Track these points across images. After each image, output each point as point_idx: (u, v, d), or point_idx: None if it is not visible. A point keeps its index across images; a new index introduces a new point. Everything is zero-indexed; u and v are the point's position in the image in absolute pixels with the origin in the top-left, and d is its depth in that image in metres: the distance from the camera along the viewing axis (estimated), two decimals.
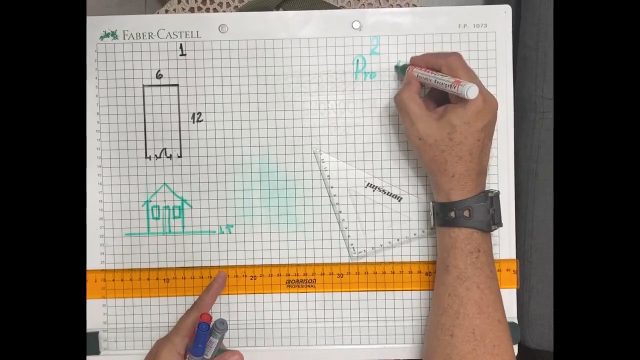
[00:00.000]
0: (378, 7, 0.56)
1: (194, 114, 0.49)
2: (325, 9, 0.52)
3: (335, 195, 0.49)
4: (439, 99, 0.46)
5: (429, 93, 0.47)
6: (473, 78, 0.42)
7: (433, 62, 0.44)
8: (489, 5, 0.49)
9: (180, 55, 0.49)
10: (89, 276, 0.49)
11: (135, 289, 0.49)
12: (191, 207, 0.49)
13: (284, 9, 0.53)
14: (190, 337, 0.44)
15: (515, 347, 0.48)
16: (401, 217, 0.49)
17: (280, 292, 0.49)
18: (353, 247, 0.49)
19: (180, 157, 0.49)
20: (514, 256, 0.49)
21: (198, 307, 0.46)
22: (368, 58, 0.49)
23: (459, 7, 0.49)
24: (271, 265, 0.49)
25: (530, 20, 0.65)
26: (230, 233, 0.49)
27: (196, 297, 0.48)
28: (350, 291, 0.49)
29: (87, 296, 0.49)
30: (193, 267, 0.49)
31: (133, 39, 0.49)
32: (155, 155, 0.49)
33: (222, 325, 0.43)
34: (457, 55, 0.43)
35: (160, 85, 0.49)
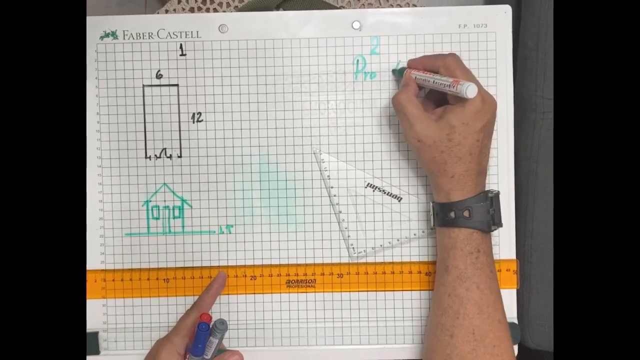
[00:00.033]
0: (378, 7, 0.56)
1: (194, 114, 0.49)
2: (326, 9, 0.52)
3: (335, 195, 0.49)
4: (438, 100, 0.46)
5: (428, 95, 0.47)
6: (471, 78, 0.42)
7: (430, 63, 0.44)
8: (489, 6, 0.49)
9: (180, 55, 0.49)
10: (89, 276, 0.49)
11: (135, 289, 0.49)
12: (191, 207, 0.49)
13: (284, 9, 0.53)
14: (190, 337, 0.44)
15: (516, 348, 0.48)
16: (401, 217, 0.49)
17: (280, 292, 0.49)
18: (353, 247, 0.49)
19: (180, 157, 0.49)
20: (514, 256, 0.49)
21: (198, 307, 0.46)
22: (368, 58, 0.49)
23: (459, 7, 0.49)
24: (271, 266, 0.49)
25: (530, 20, 0.65)
26: (230, 233, 0.49)
27: (196, 297, 0.48)
28: (350, 291, 0.49)
29: (87, 296, 0.49)
30: (193, 267, 0.49)
31: (133, 39, 0.49)
32: (155, 155, 0.49)
33: (222, 325, 0.43)
34: (454, 56, 0.43)
35: (160, 85, 0.49)
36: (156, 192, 0.49)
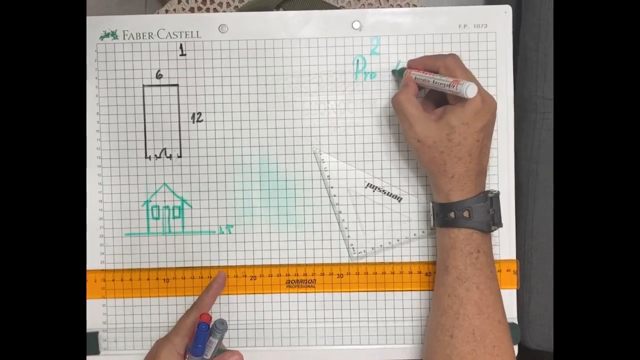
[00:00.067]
0: (378, 7, 0.56)
1: (194, 114, 0.49)
2: (326, 9, 0.52)
3: (335, 196, 0.49)
4: (437, 100, 0.46)
5: (427, 95, 0.47)
6: (471, 78, 0.42)
7: (430, 63, 0.44)
8: (490, 6, 0.49)
9: (180, 55, 0.49)
10: (88, 276, 0.49)
11: (135, 289, 0.49)
12: (191, 207, 0.49)
13: (284, 9, 0.53)
14: (190, 337, 0.44)
15: (516, 348, 0.48)
16: (401, 218, 0.49)
17: (280, 292, 0.49)
18: (353, 248, 0.49)
19: (180, 157, 0.49)
20: (514, 257, 0.49)
21: (198, 307, 0.46)
22: (368, 58, 0.49)
23: (459, 7, 0.49)
24: (271, 266, 0.49)
25: (530, 20, 0.65)
26: (230, 233, 0.49)
27: (196, 297, 0.48)
28: (350, 291, 0.49)
29: (87, 296, 0.49)
30: (193, 267, 0.49)
31: (133, 39, 0.49)
32: (155, 155, 0.49)
33: (222, 325, 0.43)
34: (453, 56, 0.43)
35: (160, 85, 0.49)
36: (156, 192, 0.49)
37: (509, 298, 0.48)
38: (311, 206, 0.49)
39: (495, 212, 0.43)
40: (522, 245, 0.64)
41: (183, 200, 0.49)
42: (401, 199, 0.49)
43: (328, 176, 0.49)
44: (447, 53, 0.46)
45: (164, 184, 0.49)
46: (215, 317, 0.48)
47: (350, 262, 0.49)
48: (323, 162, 0.49)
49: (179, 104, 0.49)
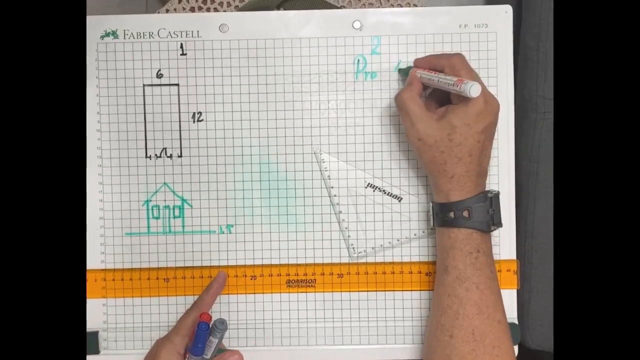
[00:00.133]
0: (379, 7, 0.55)
1: (194, 113, 0.49)
2: (326, 8, 0.52)
3: (335, 195, 0.49)
4: (441, 100, 0.45)
5: (431, 94, 0.47)
6: (475, 78, 0.42)
7: (435, 63, 0.44)
8: (490, 6, 0.49)
9: (181, 54, 0.49)
10: (89, 276, 0.49)
11: (135, 289, 0.49)
12: (191, 206, 0.49)
13: (285, 9, 0.53)
14: (190, 337, 0.44)
15: (516, 348, 0.48)
16: (401, 218, 0.49)
17: (280, 292, 0.49)
18: (353, 247, 0.49)
19: (180, 156, 0.49)
20: (514, 257, 0.49)
21: (198, 307, 0.46)
22: (369, 58, 0.49)
23: (459, 7, 0.49)
24: (271, 265, 0.49)
25: (531, 20, 0.65)
26: (230, 233, 0.49)
27: (196, 297, 0.48)
28: (350, 291, 0.49)
29: (87, 296, 0.49)
30: (193, 267, 0.49)
31: (134, 38, 0.49)
32: (156, 154, 0.49)
33: (222, 325, 0.43)
34: (459, 55, 0.43)
35: (160, 85, 0.49)
36: (156, 191, 0.49)
37: (509, 298, 0.48)
38: (311, 206, 0.49)
39: (495, 212, 0.43)
40: (522, 245, 0.64)
41: (183, 200, 0.49)
42: (401, 198, 0.49)
43: (328, 176, 0.49)
44: (453, 52, 0.46)
45: (164, 183, 0.49)
46: (215, 316, 0.48)
47: (350, 262, 0.49)
48: (323, 162, 0.49)
49: (179, 104, 0.49)
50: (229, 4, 0.55)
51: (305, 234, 0.49)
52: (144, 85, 0.49)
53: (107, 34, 0.49)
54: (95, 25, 0.49)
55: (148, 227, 0.49)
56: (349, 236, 0.49)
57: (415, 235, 0.49)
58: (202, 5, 0.55)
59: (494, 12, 0.49)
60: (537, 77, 0.64)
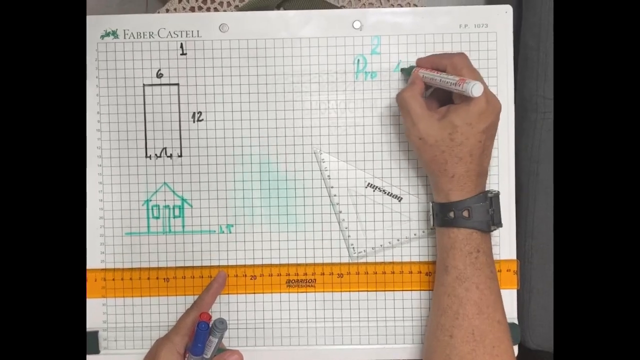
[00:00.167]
0: (379, 6, 0.55)
1: (194, 113, 0.49)
2: (326, 8, 0.52)
3: (335, 195, 0.49)
4: (442, 99, 0.45)
5: (432, 93, 0.47)
6: (478, 78, 0.42)
7: (438, 62, 0.44)
8: (490, 5, 0.49)
9: (181, 54, 0.49)
10: (88, 275, 0.49)
11: (135, 289, 0.49)
12: (191, 206, 0.49)
13: (285, 9, 0.53)
14: (190, 337, 0.44)
15: (516, 348, 0.48)
16: (401, 217, 0.49)
17: (280, 292, 0.49)
18: (353, 247, 0.49)
19: (180, 156, 0.49)
20: (514, 257, 0.49)
21: (198, 307, 0.46)
22: (369, 58, 0.49)
23: (459, 7, 0.49)
24: (271, 265, 0.49)
25: (531, 20, 0.65)
26: (230, 233, 0.49)
27: (196, 297, 0.48)
28: (350, 291, 0.49)
29: (87, 295, 0.49)
30: (193, 267, 0.49)
31: (134, 38, 0.49)
32: (156, 154, 0.49)
33: (222, 324, 0.43)
34: (462, 55, 0.43)
35: (160, 85, 0.49)
36: (156, 191, 0.49)
37: (509, 298, 0.48)
38: (311, 206, 0.49)
39: (495, 212, 0.43)
40: (522, 245, 0.64)
41: (183, 200, 0.49)
42: (401, 198, 0.49)
43: (328, 176, 0.49)
44: (455, 52, 0.46)
45: (164, 183, 0.49)
46: (215, 316, 0.48)
47: (350, 261, 0.49)
48: (323, 162, 0.49)
49: (179, 103, 0.49)
50: (229, 4, 0.55)
51: (305, 234, 0.49)
52: (144, 85, 0.49)
53: (107, 34, 0.49)
54: (95, 25, 0.49)
55: (148, 226, 0.49)
56: (349, 236, 0.49)
57: (415, 235, 0.49)
58: (202, 5, 0.55)
59: (494, 12, 0.49)
60: (537, 77, 0.64)
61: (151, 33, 0.49)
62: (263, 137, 0.49)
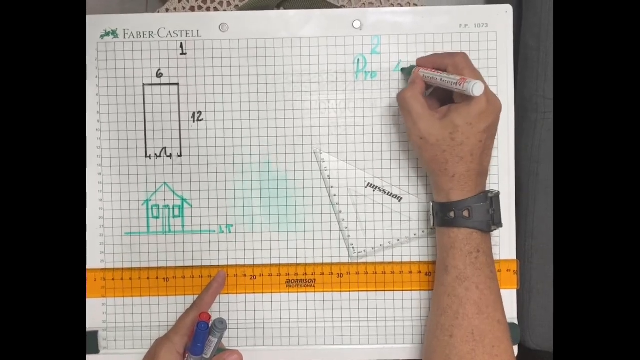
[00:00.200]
0: (379, 6, 0.55)
1: (194, 113, 0.49)
2: (326, 8, 0.52)
3: (335, 195, 0.49)
4: (442, 99, 0.45)
5: (432, 92, 0.47)
6: (478, 77, 0.42)
7: (439, 62, 0.44)
8: (490, 5, 0.49)
9: (181, 54, 0.49)
10: (88, 275, 0.49)
11: (134, 288, 0.49)
12: (191, 206, 0.49)
13: (285, 8, 0.53)
14: (190, 337, 0.44)
15: (516, 348, 0.48)
16: (401, 217, 0.49)
17: (280, 292, 0.49)
18: (353, 247, 0.49)
19: (180, 156, 0.49)
20: (514, 256, 0.49)
21: (197, 307, 0.46)
22: (369, 57, 0.49)
23: (460, 7, 0.49)
24: (271, 265, 0.49)
25: (531, 20, 0.65)
26: (230, 232, 0.49)
27: (196, 297, 0.48)
28: (350, 291, 0.49)
29: (87, 295, 0.49)
30: (193, 267, 0.49)
31: (133, 37, 0.49)
32: (155, 154, 0.49)
33: (222, 324, 0.43)
34: (463, 54, 0.43)
35: (160, 84, 0.49)
36: (156, 191, 0.49)
37: (509, 298, 0.48)
38: (311, 205, 0.49)
39: (495, 212, 0.43)
40: (522, 245, 0.64)
41: (183, 200, 0.49)
42: (401, 198, 0.49)
43: (328, 176, 0.49)
44: (456, 52, 0.46)
45: (164, 183, 0.49)
46: (214, 316, 0.48)
47: (350, 261, 0.49)
48: (323, 162, 0.49)
49: (179, 103, 0.49)
50: (228, 4, 0.55)
51: (305, 234, 0.49)
52: (143, 84, 0.49)
53: (107, 34, 0.49)
54: (95, 24, 0.49)
55: (148, 226, 0.49)
56: (348, 236, 0.49)
57: (415, 235, 0.49)
58: (202, 4, 0.55)
59: (494, 11, 0.49)
60: (538, 76, 0.64)
61: (151, 33, 0.49)
62: (263, 137, 0.49)
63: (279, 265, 0.49)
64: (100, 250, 0.49)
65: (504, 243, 0.49)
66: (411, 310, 0.49)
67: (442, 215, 0.43)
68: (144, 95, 0.49)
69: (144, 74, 0.49)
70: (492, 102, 0.41)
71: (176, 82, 0.49)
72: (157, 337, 0.45)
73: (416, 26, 0.49)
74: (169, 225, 0.49)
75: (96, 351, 0.49)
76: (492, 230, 0.43)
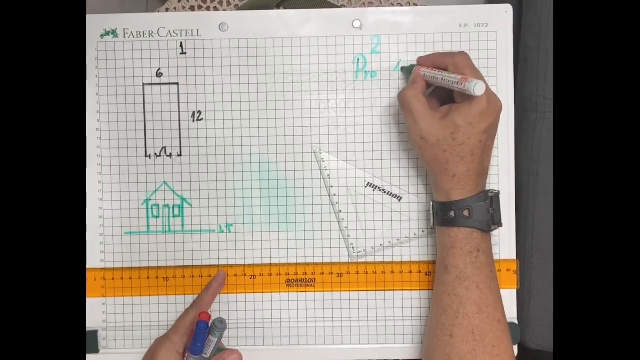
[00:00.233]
0: (379, 6, 0.55)
1: (194, 112, 0.49)
2: (326, 7, 0.52)
3: (335, 195, 0.49)
4: (443, 98, 0.45)
5: (433, 92, 0.47)
6: (479, 77, 0.42)
7: (440, 61, 0.44)
8: (490, 5, 0.49)
9: (181, 53, 0.49)
10: (88, 275, 0.49)
11: (134, 288, 0.49)
12: (191, 205, 0.49)
13: (285, 8, 0.53)
14: (189, 336, 0.44)
15: (515, 348, 0.48)
16: (401, 217, 0.49)
17: (280, 292, 0.49)
18: (353, 247, 0.49)
19: (180, 155, 0.49)
20: (514, 256, 0.49)
21: (197, 306, 0.46)
22: (369, 57, 0.49)
23: (460, 7, 0.49)
24: (271, 265, 0.49)
25: (531, 20, 0.65)
26: (229, 232, 0.49)
27: (195, 296, 0.48)
28: (349, 291, 0.49)
29: (87, 295, 0.49)
30: (192, 266, 0.49)
31: (133, 37, 0.49)
32: (155, 153, 0.49)
33: (221, 324, 0.43)
34: (464, 54, 0.43)
35: (160, 84, 0.49)
36: (156, 190, 0.49)
37: (509, 298, 0.48)
38: (311, 205, 0.49)
39: (495, 212, 0.43)
40: (522, 245, 0.64)
41: (183, 199, 0.49)
42: (401, 198, 0.49)
43: (328, 175, 0.49)
44: (457, 51, 0.46)
45: (164, 182, 0.49)
46: (214, 315, 0.48)
47: (350, 261, 0.49)
48: (323, 161, 0.49)
49: (179, 103, 0.49)
50: (228, 3, 0.55)
51: (304, 233, 0.49)
52: (143, 84, 0.49)
53: (107, 33, 0.49)
54: (95, 24, 0.49)
55: (148, 226, 0.49)
56: (348, 235, 0.49)
57: (415, 234, 0.49)
58: (201, 4, 0.55)
59: (494, 11, 0.49)
60: (538, 76, 0.64)
61: (151, 32, 0.49)
62: (263, 137, 0.49)
63: (279, 264, 0.49)
64: (100, 249, 0.49)
65: (504, 243, 0.49)
66: (411, 310, 0.49)
67: (442, 215, 0.43)
68: (143, 94, 0.49)
69: (144, 73, 0.49)
70: (493, 102, 0.41)
71: (176, 81, 0.49)
72: (156, 337, 0.45)
73: (416, 26, 0.49)
74: (169, 225, 0.49)
75: (96, 351, 0.49)
76: (492, 230, 0.43)
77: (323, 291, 0.49)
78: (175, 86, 0.49)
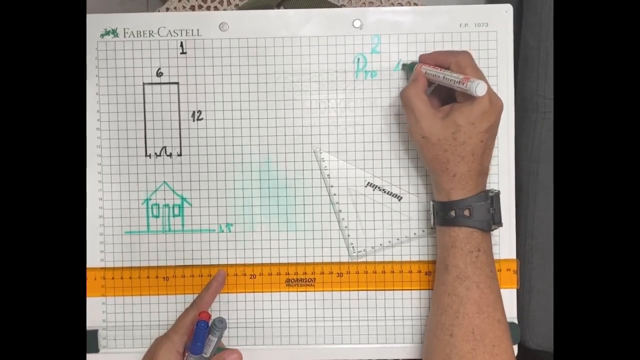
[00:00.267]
0: (379, 5, 0.55)
1: (194, 112, 0.49)
2: (326, 7, 0.52)
3: (335, 195, 0.49)
4: (444, 97, 0.45)
5: (434, 91, 0.47)
6: (481, 77, 0.42)
7: (442, 59, 0.44)
8: (491, 5, 0.49)
9: (181, 53, 0.49)
10: (88, 274, 0.49)
11: (134, 287, 0.49)
12: (191, 205, 0.49)
13: (285, 7, 0.53)
14: (189, 336, 0.44)
15: (515, 348, 0.48)
16: (401, 217, 0.49)
17: (280, 291, 0.49)
18: (353, 246, 0.49)
19: (180, 155, 0.49)
20: (514, 256, 0.49)
21: (197, 306, 0.46)
22: (369, 57, 0.49)
23: (460, 6, 0.49)
24: (271, 264, 0.49)
25: (532, 20, 0.65)
26: (230, 232, 0.49)
27: (195, 296, 0.48)
28: (349, 290, 0.49)
29: (87, 294, 0.49)
30: (192, 266, 0.49)
31: (134, 36, 0.49)
32: (155, 153, 0.49)
33: (221, 323, 0.43)
34: (466, 53, 0.43)
35: (160, 84, 0.49)
36: (156, 190, 0.49)
37: (509, 298, 0.48)
38: (311, 205, 0.49)
39: (496, 212, 0.43)
40: (522, 245, 0.64)
41: (183, 199, 0.49)
42: (401, 197, 0.49)
43: (328, 175, 0.49)
44: (459, 50, 0.46)
45: (164, 182, 0.49)
46: (214, 315, 0.48)
47: (350, 261, 0.49)
48: (323, 161, 0.49)
49: (179, 102, 0.49)
50: (229, 3, 0.55)
51: (304, 233, 0.49)
52: (143, 83, 0.49)
53: (107, 33, 0.49)
54: (95, 23, 0.49)
55: (148, 225, 0.49)
56: (348, 235, 0.49)
57: (415, 234, 0.49)
58: (202, 3, 0.55)
59: (494, 11, 0.49)
60: (538, 76, 0.64)
61: (151, 32, 0.49)
62: (263, 137, 0.49)
63: (279, 264, 0.49)
64: (100, 249, 0.49)
65: (504, 243, 0.49)
66: (411, 310, 0.49)
67: (443, 215, 0.43)
68: (144, 94, 0.49)
69: (144, 73, 0.49)
70: (494, 102, 0.41)
71: (176, 81, 0.49)
72: (156, 336, 0.45)
73: (416, 25, 0.49)
74: (169, 225, 0.49)
75: (96, 350, 0.49)
76: (493, 230, 0.43)
77: (323, 291, 0.49)
78: (176, 86, 0.49)
